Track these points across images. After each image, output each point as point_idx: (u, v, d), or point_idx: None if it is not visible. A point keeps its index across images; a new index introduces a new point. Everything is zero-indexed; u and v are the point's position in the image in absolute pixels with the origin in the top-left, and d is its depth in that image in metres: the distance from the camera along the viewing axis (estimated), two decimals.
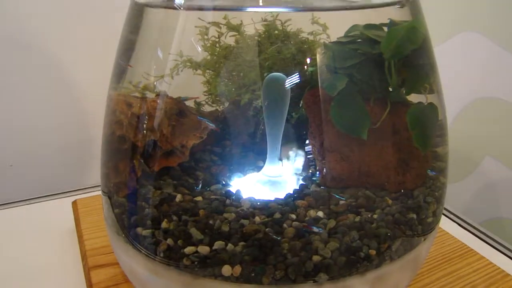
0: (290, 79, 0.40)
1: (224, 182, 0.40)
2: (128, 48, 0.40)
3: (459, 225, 0.61)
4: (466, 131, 0.71)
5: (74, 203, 0.60)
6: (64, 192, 0.68)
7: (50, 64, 0.70)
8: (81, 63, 0.72)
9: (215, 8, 0.40)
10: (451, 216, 0.63)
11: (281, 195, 0.38)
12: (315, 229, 0.34)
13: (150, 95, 0.41)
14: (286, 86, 0.39)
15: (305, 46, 0.43)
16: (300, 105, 0.42)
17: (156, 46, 0.40)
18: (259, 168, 0.43)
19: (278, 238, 0.33)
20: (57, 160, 0.75)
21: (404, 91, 0.39)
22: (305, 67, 0.41)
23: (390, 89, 0.38)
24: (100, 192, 0.61)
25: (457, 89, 0.70)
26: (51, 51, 0.70)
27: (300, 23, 0.43)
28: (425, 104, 0.39)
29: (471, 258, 0.50)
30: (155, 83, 0.41)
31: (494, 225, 0.69)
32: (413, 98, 0.40)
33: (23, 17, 0.66)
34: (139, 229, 0.36)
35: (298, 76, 0.40)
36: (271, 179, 0.41)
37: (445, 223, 0.46)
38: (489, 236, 0.58)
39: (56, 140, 0.74)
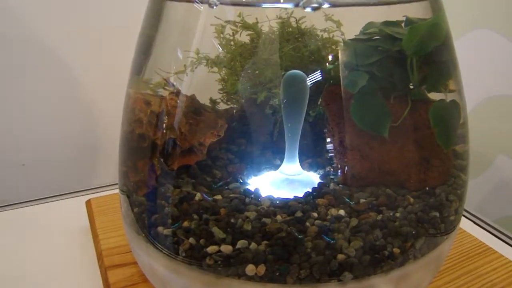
0: (309, 76, 0.39)
1: (242, 181, 0.40)
2: (147, 45, 0.40)
3: (475, 223, 0.60)
4: (479, 129, 0.70)
5: (88, 202, 0.60)
6: (77, 192, 0.68)
7: (61, 64, 0.70)
8: (92, 63, 0.72)
9: (234, 3, 0.39)
10: (466, 214, 0.62)
11: (300, 194, 0.37)
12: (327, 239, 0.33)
13: (166, 93, 0.41)
14: (305, 83, 0.39)
15: (320, 44, 0.43)
16: (319, 102, 0.42)
17: (175, 43, 0.39)
18: (276, 167, 0.42)
19: (302, 237, 0.33)
20: (69, 160, 0.75)
21: (425, 89, 0.38)
22: (326, 64, 0.40)
23: (411, 86, 0.38)
24: (113, 191, 0.61)
25: (470, 87, 0.70)
26: (62, 51, 0.70)
27: (315, 20, 0.43)
28: (447, 101, 0.38)
29: (490, 257, 0.49)
30: (173, 82, 0.41)
31: (508, 223, 0.69)
32: (432, 96, 0.39)
33: (31, 16, 0.66)
34: (160, 228, 0.36)
35: (317, 73, 0.40)
36: (289, 177, 0.41)
37: (461, 221, 0.46)
38: (505, 234, 0.57)
39: (68, 139, 0.74)
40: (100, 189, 0.68)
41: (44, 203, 0.65)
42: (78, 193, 0.67)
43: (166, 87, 0.41)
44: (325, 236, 0.33)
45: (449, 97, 0.39)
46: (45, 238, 0.56)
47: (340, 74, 0.37)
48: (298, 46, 0.42)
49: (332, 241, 0.33)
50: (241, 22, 0.42)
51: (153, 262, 0.37)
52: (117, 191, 0.44)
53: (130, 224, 0.40)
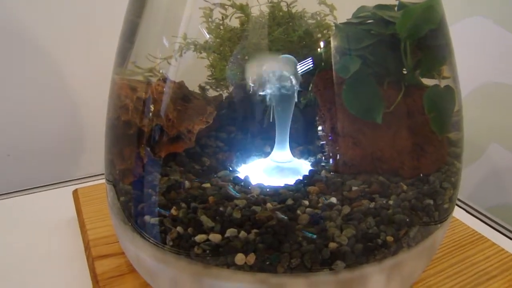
0: (300, 61, 0.38)
1: (231, 168, 0.39)
2: (132, 31, 0.39)
3: (467, 211, 0.60)
4: (472, 117, 0.70)
5: (75, 192, 0.58)
6: (64, 182, 0.66)
7: (45, 54, 0.69)
8: (75, 53, 0.70)
9: None
10: (459, 203, 0.62)
11: (291, 181, 0.37)
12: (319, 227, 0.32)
13: (153, 79, 0.40)
14: (296, 68, 0.38)
15: (311, 28, 0.42)
16: (310, 88, 0.41)
17: (161, 28, 0.38)
18: (266, 154, 0.41)
19: (292, 224, 0.32)
20: (55, 150, 0.73)
21: (419, 74, 0.37)
22: (317, 49, 0.39)
23: (405, 71, 0.37)
24: (100, 181, 0.60)
25: (463, 74, 0.69)
26: (45, 42, 0.68)
27: (306, 4, 0.42)
28: (442, 87, 0.38)
29: (483, 245, 0.49)
30: (159, 68, 0.40)
31: (500, 211, 0.68)
32: (426, 82, 0.39)
33: (14, 8, 0.65)
34: (146, 217, 0.35)
35: (307, 58, 0.39)
36: (279, 165, 0.40)
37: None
38: (498, 222, 0.57)
39: (54, 129, 0.73)
40: (87, 179, 0.67)
41: (30, 193, 0.64)
42: (65, 183, 0.66)
43: (153, 73, 0.40)
44: (317, 224, 0.32)
45: (444, 83, 0.38)
46: (32, 228, 0.55)
47: (332, 59, 0.36)
48: (288, 30, 0.41)
49: (324, 229, 0.32)
50: (231, 5, 0.41)
51: (140, 252, 0.36)
52: (104, 181, 0.43)
53: (116, 213, 0.39)
